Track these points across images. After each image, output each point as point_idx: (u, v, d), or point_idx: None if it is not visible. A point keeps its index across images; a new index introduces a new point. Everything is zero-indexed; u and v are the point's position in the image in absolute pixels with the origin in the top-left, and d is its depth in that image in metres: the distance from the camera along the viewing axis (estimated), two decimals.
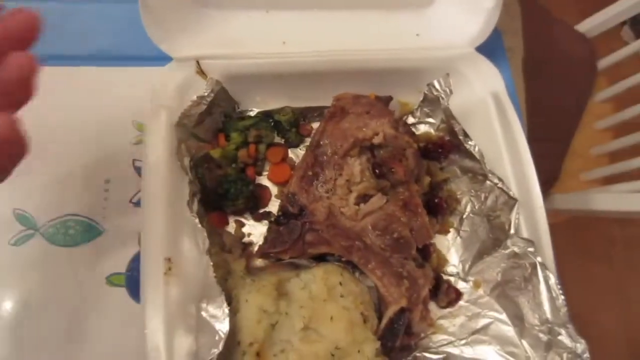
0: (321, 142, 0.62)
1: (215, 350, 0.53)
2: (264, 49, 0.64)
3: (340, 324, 0.55)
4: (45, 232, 0.62)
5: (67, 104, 0.68)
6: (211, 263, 0.56)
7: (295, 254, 0.59)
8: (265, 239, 0.61)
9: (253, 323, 0.56)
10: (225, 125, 0.66)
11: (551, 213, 1.29)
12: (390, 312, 0.58)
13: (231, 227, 0.65)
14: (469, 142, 0.63)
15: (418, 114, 0.71)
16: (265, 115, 0.68)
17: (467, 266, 0.65)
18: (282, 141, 0.69)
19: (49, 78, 0.67)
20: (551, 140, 1.18)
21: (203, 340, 0.55)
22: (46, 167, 0.64)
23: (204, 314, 0.56)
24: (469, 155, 0.64)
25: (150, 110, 0.59)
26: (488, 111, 0.65)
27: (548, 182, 1.24)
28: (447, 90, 0.64)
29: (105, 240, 0.63)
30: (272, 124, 0.68)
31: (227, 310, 0.54)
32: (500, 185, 0.62)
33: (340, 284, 0.59)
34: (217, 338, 0.53)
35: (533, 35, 0.91)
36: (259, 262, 0.64)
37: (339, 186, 0.61)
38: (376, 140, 0.62)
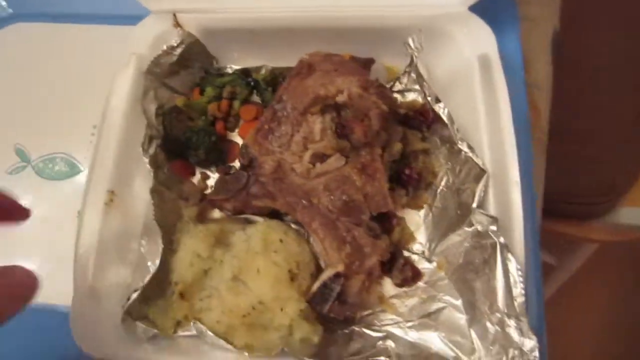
0: (283, 97, 0.60)
1: (141, 283, 0.54)
2: (241, 4, 0.64)
3: (265, 279, 0.53)
4: (36, 165, 0.69)
5: (55, 57, 0.75)
6: (152, 202, 0.57)
7: (238, 203, 0.58)
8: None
9: (185, 265, 0.56)
10: (202, 80, 0.67)
11: (616, 229, 1.13)
12: (324, 275, 0.54)
13: (196, 179, 0.65)
14: (439, 105, 0.57)
15: (405, 80, 0.66)
16: (244, 73, 0.68)
17: (433, 245, 0.59)
18: (260, 100, 0.68)
19: (37, 34, 0.76)
20: (609, 144, 1.03)
21: (137, 275, 0.56)
22: (42, 111, 0.71)
23: (141, 249, 0.57)
24: (441, 118, 0.58)
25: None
26: (472, 74, 0.58)
27: (613, 191, 1.08)
28: (420, 47, 0.58)
29: (83, 178, 0.67)
30: (251, 82, 0.68)
31: (161, 248, 0.55)
32: (469, 154, 0.55)
33: (281, 241, 0.56)
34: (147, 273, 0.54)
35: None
36: (216, 214, 0.63)
37: (295, 142, 0.59)
38: (340, 98, 0.59)
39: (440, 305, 0.55)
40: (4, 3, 0.78)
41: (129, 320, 0.54)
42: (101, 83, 0.61)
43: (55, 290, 0.61)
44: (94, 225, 0.55)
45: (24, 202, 0.64)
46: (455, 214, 0.57)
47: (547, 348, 0.56)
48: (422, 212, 0.62)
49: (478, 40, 0.60)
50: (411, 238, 0.60)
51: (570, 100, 1.08)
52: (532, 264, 0.58)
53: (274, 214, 0.60)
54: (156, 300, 0.56)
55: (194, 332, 0.54)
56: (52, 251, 0.64)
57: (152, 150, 0.60)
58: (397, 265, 0.58)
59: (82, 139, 0.69)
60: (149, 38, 0.63)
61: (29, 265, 0.35)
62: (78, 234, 0.55)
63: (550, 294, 1.55)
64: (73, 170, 0.68)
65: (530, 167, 0.63)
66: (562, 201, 1.13)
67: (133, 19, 0.64)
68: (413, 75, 0.65)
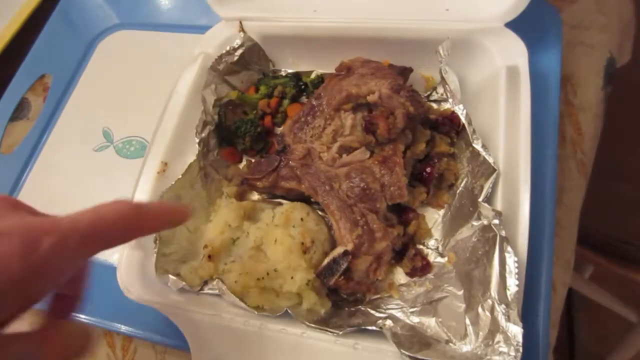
0: (321, 94, 0.67)
1: (174, 244, 0.62)
2: (297, 14, 0.73)
3: (280, 247, 0.59)
4: (116, 146, 0.81)
5: (142, 57, 0.90)
6: (199, 175, 0.66)
7: (268, 183, 0.65)
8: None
9: (216, 232, 0.63)
10: (259, 81, 0.76)
11: None
12: (334, 252, 0.58)
13: (242, 165, 0.73)
14: (458, 107, 0.60)
15: (441, 90, 0.70)
16: (295, 76, 0.76)
17: (447, 241, 0.61)
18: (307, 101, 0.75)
19: (133, 39, 0.91)
20: None
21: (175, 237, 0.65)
22: (127, 101, 0.86)
23: None
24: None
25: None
26: (498, 82, 0.61)
27: None
28: (447, 54, 0.62)
29: None
30: (302, 85, 0.75)
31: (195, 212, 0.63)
32: (482, 152, 0.57)
33: (302, 219, 0.62)
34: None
35: None
36: (256, 197, 0.71)
37: (325, 134, 0.65)
38: (370, 98, 0.64)
39: (443, 294, 0.57)
40: (114, 15, 0.95)
41: (165, 275, 0.62)
42: (174, 78, 0.72)
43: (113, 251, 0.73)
44: (146, 188, 0.64)
45: (103, 175, 0.79)
46: (468, 211, 0.59)
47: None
48: (441, 212, 0.64)
49: (509, 52, 0.63)
50: (427, 234, 0.63)
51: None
52: (545, 273, 0.58)
53: (302, 200, 0.66)
54: (190, 261, 0.64)
55: (216, 290, 0.61)
56: None
57: (204, 134, 0.69)
58: (408, 254, 0.61)
59: (154, 125, 0.81)
60: (217, 41, 0.74)
61: None
62: (132, 195, 0.64)
63: (634, 354, 1.41)
64: (144, 151, 0.79)
65: (554, 177, 0.63)
66: (635, 245, 1.07)
67: (206, 28, 0.76)
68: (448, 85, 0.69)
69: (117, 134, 0.83)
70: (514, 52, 0.63)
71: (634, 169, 1.03)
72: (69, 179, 0.80)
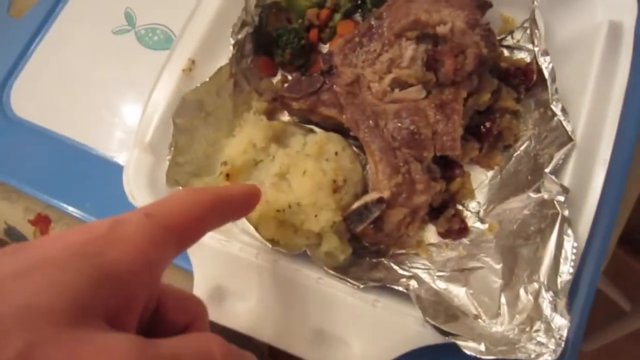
0: (383, 14, 0.58)
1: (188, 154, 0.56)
2: None
3: (309, 181, 0.52)
4: (138, 32, 0.72)
5: None
6: (228, 82, 0.58)
7: (305, 106, 0.57)
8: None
9: (238, 149, 0.56)
10: None
11: None
12: (368, 197, 0.52)
13: (276, 80, 0.65)
14: (544, 58, 0.51)
15: (518, 36, 0.61)
16: None
17: (491, 207, 0.55)
18: (362, 19, 0.66)
19: None
20: None
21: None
22: None
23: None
24: (545, 82, 0.52)
25: None
26: (597, 39, 0.52)
27: None
28: None
29: None
30: (359, 0, 0.65)
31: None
32: (561, 117, 0.49)
33: (336, 153, 0.55)
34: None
35: None
36: (286, 118, 0.63)
37: (380, 62, 0.56)
38: (440, 29, 0.55)
39: (478, 264, 0.51)
40: None
41: (175, 186, 0.56)
42: None
43: (121, 148, 0.66)
44: (167, 87, 0.57)
45: (120, 62, 0.70)
46: (525, 179, 0.52)
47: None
48: (490, 173, 0.58)
49: (615, 5, 0.54)
50: (470, 194, 0.57)
51: None
52: (594, 262, 0.52)
53: (339, 132, 0.59)
54: (204, 176, 0.57)
55: None
56: (130, 113, 0.68)
57: (240, 36, 0.60)
58: (446, 214, 0.55)
59: (185, 15, 0.71)
60: None
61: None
62: (151, 91, 0.57)
63: (613, 339, 1.42)
64: (168, 43, 0.71)
65: (627, 163, 0.56)
66: None
67: None
68: (528, 32, 0.59)
69: (140, 19, 0.73)
70: (621, 5, 0.53)
71: None
72: (82, 57, 0.72)
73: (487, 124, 0.56)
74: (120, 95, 0.69)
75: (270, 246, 0.51)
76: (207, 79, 0.56)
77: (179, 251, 0.29)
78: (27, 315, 0.21)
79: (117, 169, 0.58)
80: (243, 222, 0.52)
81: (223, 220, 0.35)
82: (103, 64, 0.71)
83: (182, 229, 0.29)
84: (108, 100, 0.69)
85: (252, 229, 0.52)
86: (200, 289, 0.50)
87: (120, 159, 0.66)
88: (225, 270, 0.50)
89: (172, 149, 0.55)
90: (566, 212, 0.45)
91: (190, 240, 0.31)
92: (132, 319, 0.25)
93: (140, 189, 0.55)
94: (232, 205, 0.35)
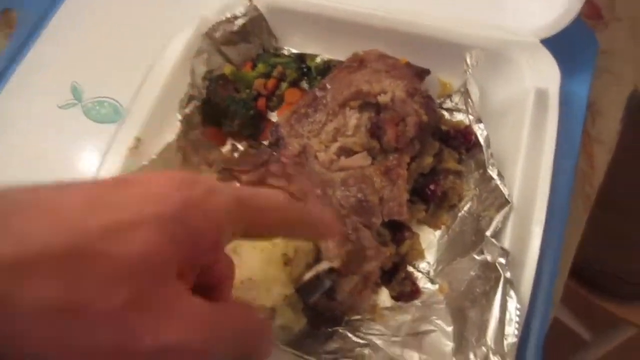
0: (327, 86, 0.60)
1: None
2: None
3: (259, 255, 0.52)
4: (85, 106, 0.72)
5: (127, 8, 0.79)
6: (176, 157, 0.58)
7: (254, 178, 0.58)
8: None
9: None
10: (258, 57, 0.68)
11: None
12: (319, 267, 0.52)
13: (225, 149, 0.66)
14: (479, 126, 0.54)
15: (457, 99, 0.64)
16: (299, 57, 0.68)
17: (440, 267, 0.56)
18: (308, 87, 0.68)
19: None
20: None
21: None
22: (104, 56, 0.75)
23: None
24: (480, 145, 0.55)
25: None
26: (525, 105, 0.56)
27: None
28: (475, 65, 0.56)
29: None
30: (304, 68, 0.68)
31: None
32: (497, 181, 0.52)
33: None
34: None
35: None
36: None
37: (325, 132, 0.58)
38: (382, 99, 0.58)
39: (430, 327, 0.52)
40: None
41: None
42: (163, 39, 0.63)
43: None
44: (114, 167, 0.57)
45: (66, 137, 0.69)
46: (470, 240, 0.54)
47: None
48: (438, 233, 0.59)
49: (541, 74, 0.58)
50: (420, 255, 0.58)
51: None
52: (541, 317, 0.54)
53: None
54: None
55: None
56: None
57: (188, 110, 0.61)
58: (397, 277, 0.56)
59: (133, 90, 0.72)
60: (217, 4, 0.65)
61: None
62: (97, 169, 0.57)
63: None
64: (116, 116, 0.71)
65: (564, 217, 0.59)
66: (612, 275, 1.07)
67: None
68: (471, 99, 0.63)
69: (87, 92, 0.73)
70: (546, 73, 0.57)
71: (628, 203, 1.00)
72: (27, 133, 0.71)
73: (432, 186, 0.59)
74: (67, 172, 0.68)
75: None
76: (154, 156, 0.57)
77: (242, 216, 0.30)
78: (137, 266, 0.22)
79: None
80: None
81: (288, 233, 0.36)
82: (47, 139, 0.70)
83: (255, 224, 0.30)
84: (55, 176, 0.68)
85: None
86: None
87: None
88: None
89: None
90: (508, 274, 0.47)
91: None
92: (190, 280, 0.27)
93: None
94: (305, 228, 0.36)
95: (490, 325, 0.46)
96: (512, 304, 0.46)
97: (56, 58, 0.76)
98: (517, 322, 0.45)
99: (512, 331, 0.45)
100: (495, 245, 0.49)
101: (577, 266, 1.09)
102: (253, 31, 0.68)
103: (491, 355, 0.45)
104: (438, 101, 0.65)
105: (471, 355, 0.46)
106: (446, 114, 0.65)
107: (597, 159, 0.67)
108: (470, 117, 0.56)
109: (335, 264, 0.52)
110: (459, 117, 0.64)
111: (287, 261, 0.53)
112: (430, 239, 0.59)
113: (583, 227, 0.67)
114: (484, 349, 0.46)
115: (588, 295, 1.17)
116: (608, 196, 0.91)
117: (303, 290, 0.52)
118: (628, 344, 1.27)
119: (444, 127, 0.62)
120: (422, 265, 0.58)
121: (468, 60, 0.57)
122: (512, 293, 0.46)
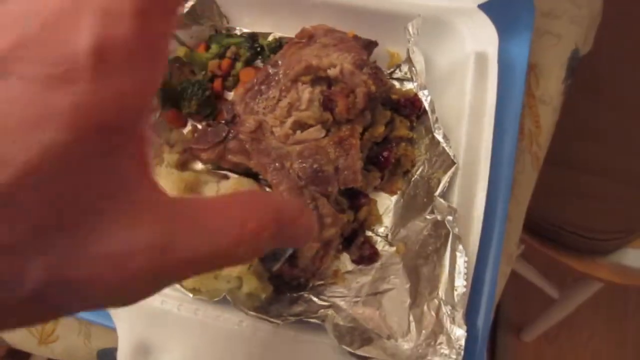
0: (279, 62, 0.62)
1: None
2: None
3: None
4: None
5: None
6: None
7: (214, 155, 0.60)
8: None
9: None
10: (210, 38, 0.69)
11: (623, 271, 1.10)
12: None
13: (186, 130, 0.68)
14: (423, 92, 0.57)
15: (405, 68, 0.66)
16: (251, 37, 0.69)
17: (397, 230, 0.59)
18: (262, 64, 0.70)
19: None
20: (629, 181, 1.00)
21: None
22: None
23: None
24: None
25: None
26: (466, 70, 0.58)
27: (626, 230, 1.04)
28: (417, 33, 0.59)
29: None
30: (257, 47, 0.69)
31: None
32: (443, 144, 0.55)
33: None
34: None
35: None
36: (199, 166, 0.66)
37: (280, 107, 0.60)
38: (331, 72, 0.60)
39: (389, 286, 0.55)
40: None
41: None
42: None
43: None
44: None
45: None
46: (422, 202, 0.57)
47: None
48: (394, 198, 0.62)
49: (480, 38, 0.60)
50: (378, 220, 0.61)
51: (590, 130, 1.06)
52: (491, 271, 0.57)
53: (249, 175, 0.62)
54: None
55: None
56: None
57: None
58: (356, 242, 0.59)
59: None
60: None
61: None
62: None
63: (549, 327, 1.52)
64: None
65: (509, 175, 0.62)
66: (567, 231, 1.11)
67: None
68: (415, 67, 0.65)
69: None
70: (485, 37, 0.60)
71: (581, 159, 1.05)
72: None
73: (385, 154, 0.61)
74: None
75: (191, 296, 0.53)
76: None
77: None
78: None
79: None
80: None
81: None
82: None
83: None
84: None
85: None
86: (124, 346, 0.51)
87: None
88: (148, 325, 0.52)
89: None
90: (456, 230, 0.50)
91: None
92: None
93: None
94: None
95: (442, 279, 0.49)
96: (461, 258, 0.49)
97: None
98: (465, 274, 0.48)
99: (461, 283, 0.48)
100: (443, 204, 0.52)
101: (538, 225, 1.14)
102: (203, 13, 0.68)
103: (443, 306, 0.48)
104: (388, 71, 0.67)
105: (425, 308, 0.50)
106: (396, 84, 0.67)
107: (543, 118, 0.71)
108: (415, 84, 0.59)
109: None
110: (409, 86, 0.67)
111: None
112: (387, 204, 0.62)
113: (533, 184, 0.71)
114: (436, 301, 0.49)
115: (552, 253, 1.22)
116: (560, 154, 0.95)
117: (265, 259, 0.54)
118: (594, 300, 1.33)
119: (394, 96, 0.64)
120: (381, 230, 0.61)
121: (410, 30, 0.59)
122: (460, 247, 0.49)
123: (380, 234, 0.60)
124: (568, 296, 1.41)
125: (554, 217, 1.10)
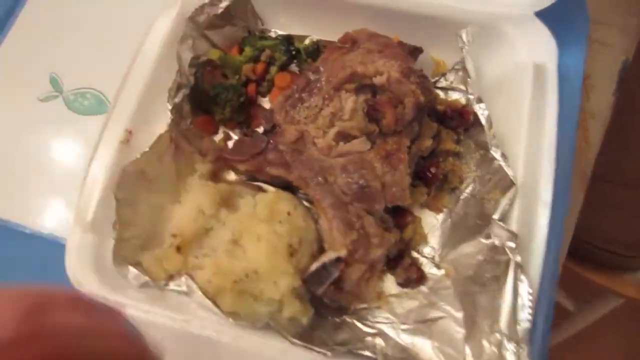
0: (320, 68, 0.58)
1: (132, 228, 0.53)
2: None
3: (264, 247, 0.51)
4: (67, 97, 0.69)
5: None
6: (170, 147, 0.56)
7: (252, 167, 0.56)
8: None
9: (187, 219, 0.54)
10: (244, 40, 0.65)
11: None
12: (324, 257, 0.51)
13: (218, 137, 0.64)
14: (479, 106, 0.53)
15: (451, 77, 0.63)
16: (287, 40, 0.65)
17: (445, 251, 0.56)
18: (298, 70, 0.66)
19: None
20: None
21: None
22: (84, 45, 0.72)
23: None
24: (481, 123, 0.54)
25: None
26: (523, 81, 0.55)
27: None
28: (471, 41, 0.55)
29: None
30: (292, 51, 0.65)
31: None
32: (501, 162, 0.51)
33: (288, 213, 0.54)
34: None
35: None
36: (231, 177, 0.62)
37: (322, 116, 0.56)
38: (377, 80, 0.56)
39: (440, 314, 0.52)
40: None
41: (123, 264, 0.53)
42: (144, 24, 0.60)
43: (60, 223, 0.61)
44: (105, 161, 0.54)
45: (49, 130, 0.66)
46: (474, 224, 0.53)
47: None
48: (440, 216, 0.59)
49: (537, 48, 0.57)
50: (423, 240, 0.57)
51: (629, 142, 1.03)
52: (546, 299, 0.53)
53: (287, 188, 0.58)
54: (152, 248, 0.55)
55: (184, 288, 0.53)
56: (64, 183, 0.64)
57: (177, 99, 0.58)
58: (403, 263, 0.55)
59: (116, 79, 0.68)
60: None
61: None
62: (89, 166, 0.54)
63: (563, 339, 1.49)
64: (101, 107, 0.67)
65: (566, 196, 0.58)
66: (597, 246, 1.08)
67: None
68: (460, 73, 0.61)
69: (67, 83, 0.69)
70: (542, 47, 0.56)
71: (616, 171, 1.01)
72: (7, 131, 0.67)
73: (433, 169, 0.57)
74: (53, 166, 0.65)
75: (231, 320, 0.49)
76: (147, 148, 0.54)
77: None
78: None
79: (59, 248, 0.54)
80: (200, 295, 0.51)
81: None
82: (30, 135, 0.67)
83: None
84: (39, 172, 0.65)
85: (210, 303, 0.50)
86: None
87: (60, 233, 0.61)
88: (186, 353, 0.48)
89: (117, 225, 0.52)
90: (518, 258, 0.47)
91: None
92: None
93: (85, 272, 0.52)
94: None
95: (504, 312, 0.46)
96: (524, 288, 0.46)
97: (31, 46, 0.72)
98: (530, 307, 0.45)
99: (525, 317, 0.45)
100: (502, 229, 0.48)
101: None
102: (237, 14, 0.65)
103: (506, 342, 0.45)
104: (432, 80, 0.64)
105: (485, 342, 0.46)
106: (441, 94, 0.63)
107: (592, 134, 0.67)
108: (470, 96, 0.55)
109: (342, 253, 0.51)
110: (455, 96, 0.63)
111: (292, 252, 0.52)
112: (433, 223, 0.58)
113: (581, 203, 0.67)
114: (497, 335, 0.45)
115: (573, 267, 1.19)
116: (600, 167, 0.91)
117: (310, 281, 0.51)
118: (612, 315, 1.30)
119: (440, 107, 0.61)
120: (426, 250, 0.57)
121: (464, 37, 0.55)
122: (522, 277, 0.46)
123: (427, 255, 0.57)
124: (585, 310, 1.38)
125: (587, 231, 1.07)
